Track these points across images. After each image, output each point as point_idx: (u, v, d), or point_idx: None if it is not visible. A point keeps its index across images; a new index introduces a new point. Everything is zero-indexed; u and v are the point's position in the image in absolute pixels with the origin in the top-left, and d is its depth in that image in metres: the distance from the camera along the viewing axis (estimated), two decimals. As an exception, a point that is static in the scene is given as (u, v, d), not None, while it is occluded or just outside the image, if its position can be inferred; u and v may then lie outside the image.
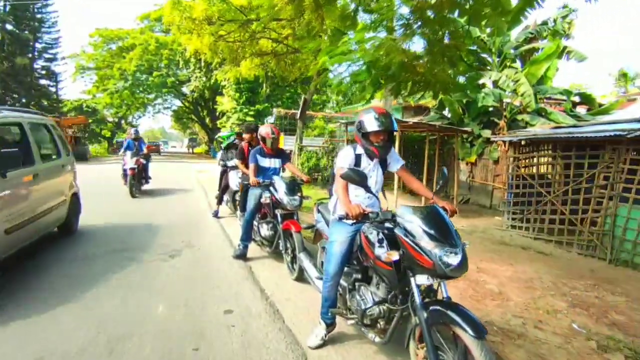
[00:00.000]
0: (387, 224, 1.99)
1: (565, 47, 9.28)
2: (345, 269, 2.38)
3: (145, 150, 8.66)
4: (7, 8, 23.42)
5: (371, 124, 2.21)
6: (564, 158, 6.66)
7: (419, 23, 4.07)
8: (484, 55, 10.85)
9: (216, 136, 7.08)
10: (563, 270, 5.00)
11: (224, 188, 6.47)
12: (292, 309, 2.91)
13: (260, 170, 4.10)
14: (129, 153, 8.27)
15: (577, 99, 11.42)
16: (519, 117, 9.76)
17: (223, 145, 7.06)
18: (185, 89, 29.92)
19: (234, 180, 6.13)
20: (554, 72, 10.47)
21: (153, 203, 7.83)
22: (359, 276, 2.31)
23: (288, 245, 3.63)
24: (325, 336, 2.42)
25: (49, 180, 4.00)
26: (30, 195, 3.50)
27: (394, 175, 3.96)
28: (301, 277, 3.42)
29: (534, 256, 5.74)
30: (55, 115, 22.88)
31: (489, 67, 11.04)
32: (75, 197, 4.92)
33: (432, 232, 1.71)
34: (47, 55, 27.82)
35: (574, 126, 7.88)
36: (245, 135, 5.10)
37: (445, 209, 1.96)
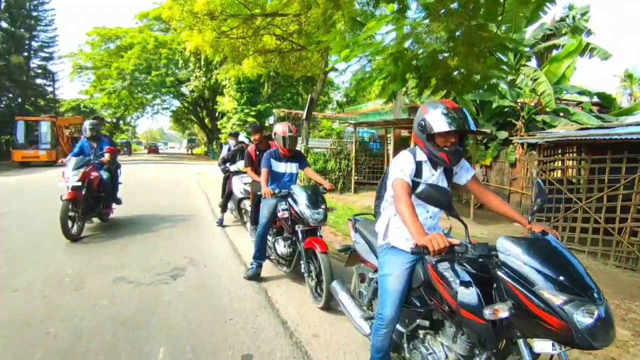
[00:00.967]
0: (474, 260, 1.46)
1: (588, 44, 8.78)
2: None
3: (107, 157, 5.15)
4: (2, 5, 22.80)
5: (440, 123, 1.68)
6: (595, 162, 6.16)
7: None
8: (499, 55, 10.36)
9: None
10: (609, 288, 4.48)
11: (227, 195, 5.92)
12: (324, 350, 2.38)
13: (273, 177, 3.57)
14: (72, 161, 4.80)
15: (586, 98, 10.94)
16: (538, 117, 9.26)
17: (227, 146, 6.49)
18: (184, 89, 29.37)
19: (238, 186, 5.59)
20: (572, 71, 9.99)
21: (142, 219, 6.39)
22: (425, 323, 1.76)
23: (311, 267, 3.08)
24: None
25: None
26: None
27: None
28: (329, 305, 2.89)
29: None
30: (52, 115, 22.31)
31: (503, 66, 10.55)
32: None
33: (561, 278, 1.19)
34: (43, 54, 27.27)
35: (602, 127, 7.38)
36: (253, 137, 4.55)
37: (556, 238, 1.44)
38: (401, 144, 11.70)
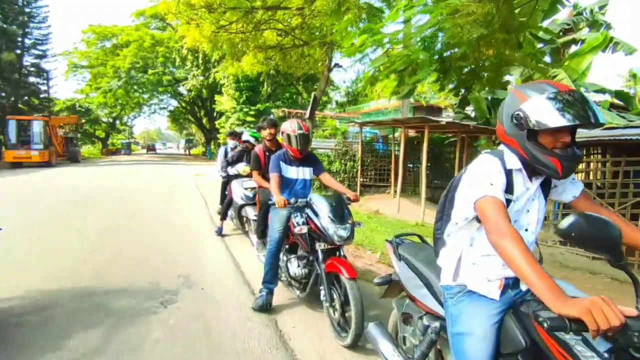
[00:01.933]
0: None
1: (612, 38, 8.24)
2: None
3: None
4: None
5: (552, 115, 1.11)
6: (626, 164, 5.64)
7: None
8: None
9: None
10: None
11: (228, 203, 5.32)
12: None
13: (283, 184, 2.99)
14: None
15: (605, 97, 10.44)
16: (556, 116, 8.72)
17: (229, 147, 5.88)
18: (182, 88, 28.77)
19: (239, 191, 4.99)
20: (590, 68, 9.47)
21: (135, 223, 6.43)
22: None
23: (334, 295, 2.50)
24: None
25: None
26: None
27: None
28: (356, 344, 2.32)
29: (611, 285, 4.67)
30: (44, 115, 21.69)
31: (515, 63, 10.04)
32: None
33: None
34: (36, 52, 26.62)
35: (629, 127, 6.85)
36: (265, 132, 3.78)
37: None
38: (411, 145, 11.15)
